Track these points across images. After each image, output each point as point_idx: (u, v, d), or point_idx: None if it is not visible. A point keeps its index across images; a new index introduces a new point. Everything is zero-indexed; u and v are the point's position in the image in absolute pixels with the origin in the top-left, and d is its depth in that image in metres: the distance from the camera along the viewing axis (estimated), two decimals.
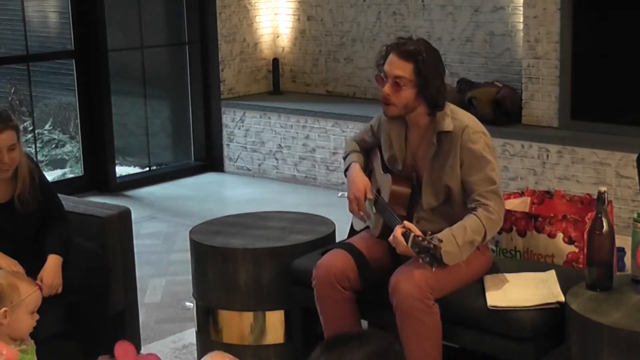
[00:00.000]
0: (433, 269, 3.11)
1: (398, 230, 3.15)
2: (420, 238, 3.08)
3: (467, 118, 3.36)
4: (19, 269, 3.50)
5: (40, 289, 3.01)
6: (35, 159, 4.05)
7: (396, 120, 3.42)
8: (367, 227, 3.59)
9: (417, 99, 3.31)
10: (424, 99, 3.31)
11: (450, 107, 3.38)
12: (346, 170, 3.65)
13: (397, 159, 3.45)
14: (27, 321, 2.94)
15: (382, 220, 3.41)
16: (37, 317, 2.97)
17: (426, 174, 3.36)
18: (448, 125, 3.31)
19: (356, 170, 3.57)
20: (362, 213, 3.52)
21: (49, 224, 3.72)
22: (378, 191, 3.53)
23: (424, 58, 3.27)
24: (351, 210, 3.55)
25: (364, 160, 3.64)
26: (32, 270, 3.58)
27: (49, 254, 3.62)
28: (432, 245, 3.05)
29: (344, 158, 3.71)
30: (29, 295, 2.94)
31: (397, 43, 3.34)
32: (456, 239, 3.18)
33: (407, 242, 3.09)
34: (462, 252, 3.19)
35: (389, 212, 3.34)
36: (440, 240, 3.09)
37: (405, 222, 3.19)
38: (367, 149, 3.66)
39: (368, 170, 3.63)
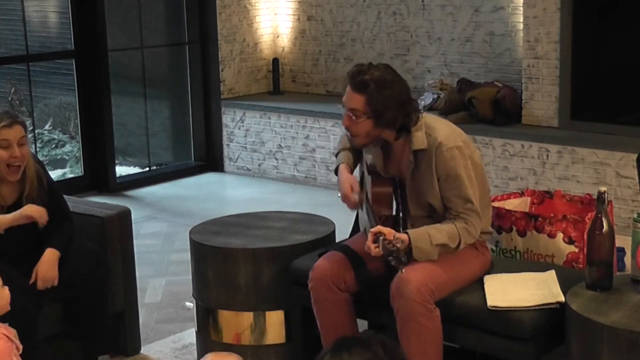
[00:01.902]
0: (402, 271, 3.13)
1: (370, 236, 3.18)
2: (387, 241, 3.10)
3: (441, 133, 3.30)
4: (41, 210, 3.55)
5: None
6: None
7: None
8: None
9: (376, 128, 3.29)
10: (384, 127, 3.29)
11: (426, 121, 3.34)
12: (336, 171, 3.66)
13: (376, 167, 3.47)
14: (3, 297, 2.99)
15: (370, 223, 3.43)
16: (6, 288, 3.00)
17: (408, 189, 3.38)
18: (422, 142, 3.28)
19: (342, 169, 3.60)
20: (355, 201, 3.52)
21: (54, 223, 3.73)
22: (366, 194, 3.54)
23: (372, 89, 3.23)
24: (350, 207, 3.57)
25: (354, 157, 3.64)
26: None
27: (47, 247, 3.63)
28: (395, 248, 3.08)
29: (335, 155, 3.72)
30: None
31: (352, 73, 3.31)
32: (431, 238, 3.22)
33: (378, 245, 3.12)
34: (433, 252, 3.23)
35: (371, 216, 3.36)
36: (404, 242, 3.13)
37: (372, 230, 3.18)
38: (356, 149, 3.67)
39: (361, 170, 3.64)
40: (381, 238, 3.12)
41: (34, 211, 3.56)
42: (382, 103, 3.24)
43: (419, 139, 3.29)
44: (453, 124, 3.46)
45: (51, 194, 3.74)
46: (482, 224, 3.36)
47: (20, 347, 2.97)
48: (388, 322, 3.31)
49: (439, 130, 3.32)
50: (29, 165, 3.65)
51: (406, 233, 3.20)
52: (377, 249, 3.13)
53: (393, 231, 3.16)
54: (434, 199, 3.31)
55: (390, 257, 3.11)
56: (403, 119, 3.28)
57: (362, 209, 3.64)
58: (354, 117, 3.29)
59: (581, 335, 2.96)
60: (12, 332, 2.97)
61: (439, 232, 3.23)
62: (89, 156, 6.94)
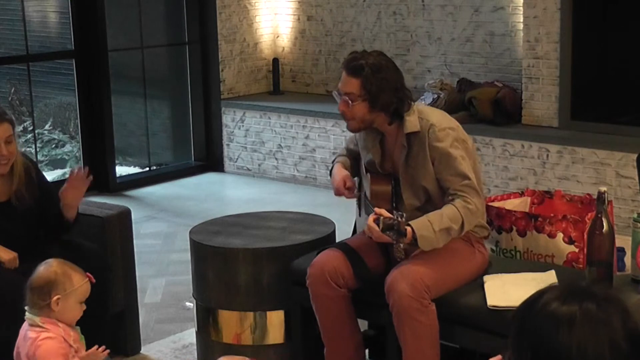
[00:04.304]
0: (401, 246, 3.20)
1: (370, 218, 3.20)
2: (388, 218, 3.14)
3: (433, 116, 3.37)
4: (12, 255, 3.54)
5: (91, 280, 3.06)
6: (35, 159, 4.06)
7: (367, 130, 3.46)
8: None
9: (371, 112, 3.34)
10: (379, 110, 3.34)
11: (418, 108, 3.40)
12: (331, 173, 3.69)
13: (375, 164, 3.48)
14: (75, 310, 3.01)
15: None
16: (84, 307, 3.04)
17: (402, 176, 3.39)
18: (415, 125, 3.33)
19: (336, 167, 3.64)
20: (348, 194, 3.55)
21: (50, 221, 3.72)
22: (365, 193, 3.55)
23: (367, 73, 3.30)
24: (347, 196, 3.58)
25: (352, 164, 3.67)
26: (33, 269, 3.58)
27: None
28: (395, 222, 3.13)
29: (333, 163, 3.75)
30: (80, 285, 3.01)
31: (347, 59, 3.40)
32: (432, 225, 3.22)
33: (379, 227, 3.14)
34: (438, 238, 3.23)
35: (370, 209, 3.37)
36: (403, 216, 3.15)
37: (376, 209, 3.22)
38: (355, 156, 3.69)
39: (360, 175, 3.66)
40: (382, 217, 3.15)
41: (3, 255, 3.56)
42: (377, 86, 3.30)
43: (412, 122, 3.34)
44: (446, 113, 3.51)
45: (43, 190, 3.75)
46: (482, 206, 3.37)
47: (83, 354, 2.99)
48: (387, 321, 3.31)
49: (431, 114, 3.39)
50: (16, 162, 3.66)
51: (408, 225, 3.20)
52: (378, 227, 3.16)
53: (389, 214, 3.20)
54: (429, 182, 3.33)
55: (390, 232, 3.13)
56: (397, 103, 3.33)
57: (359, 215, 3.65)
58: (349, 101, 3.33)
59: None
60: (73, 337, 2.98)
61: (439, 217, 3.24)
62: (89, 156, 6.93)
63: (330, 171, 3.69)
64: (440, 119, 3.37)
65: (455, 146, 3.31)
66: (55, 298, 2.94)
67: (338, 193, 3.57)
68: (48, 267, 3.01)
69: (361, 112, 3.34)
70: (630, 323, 1.64)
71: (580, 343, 1.59)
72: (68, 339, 2.96)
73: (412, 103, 3.40)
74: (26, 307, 3.00)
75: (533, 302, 1.67)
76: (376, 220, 3.17)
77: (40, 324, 2.94)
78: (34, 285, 2.97)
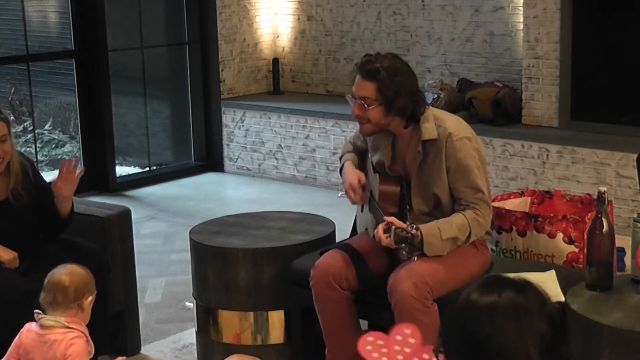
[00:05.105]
0: (414, 259, 3.16)
1: (380, 226, 3.19)
2: (400, 229, 3.13)
3: (450, 123, 3.34)
4: (12, 255, 3.55)
5: None
6: (35, 159, 4.06)
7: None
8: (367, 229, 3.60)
9: (387, 116, 3.31)
10: (395, 114, 3.31)
11: (434, 113, 3.37)
12: (341, 170, 3.66)
13: (385, 165, 3.47)
14: (90, 312, 3.06)
15: (375, 220, 3.43)
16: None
17: (414, 181, 3.37)
18: (432, 133, 3.30)
19: (348, 165, 3.59)
20: (360, 198, 3.50)
21: (48, 217, 3.72)
22: (371, 192, 3.54)
23: (383, 76, 3.26)
24: (353, 201, 3.53)
25: (358, 160, 3.65)
26: (33, 268, 3.59)
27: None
28: (409, 235, 3.11)
29: (340, 159, 3.73)
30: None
31: (361, 62, 3.34)
32: (441, 233, 3.23)
33: (389, 235, 3.13)
34: (444, 246, 3.24)
35: (378, 212, 3.36)
36: (418, 228, 3.14)
37: (387, 217, 3.21)
38: (361, 152, 3.67)
39: (364, 171, 3.64)
40: (393, 227, 3.13)
41: (3, 255, 3.56)
42: (393, 90, 3.26)
43: (429, 130, 3.30)
44: (460, 118, 3.48)
45: (40, 188, 3.76)
46: (490, 218, 3.37)
47: (93, 349, 3.02)
48: (389, 321, 3.30)
49: (448, 121, 3.35)
50: (13, 160, 3.66)
51: (418, 229, 3.19)
52: (389, 238, 3.14)
53: (404, 224, 3.18)
54: (441, 190, 3.32)
55: (404, 244, 3.12)
56: (413, 107, 3.30)
57: (362, 211, 3.64)
58: (365, 105, 3.30)
59: (581, 335, 2.96)
60: (87, 332, 3.03)
61: (449, 226, 3.24)
62: (89, 156, 6.93)
63: (341, 169, 3.65)
64: (457, 126, 3.34)
65: (472, 156, 3.30)
66: (90, 298, 3.00)
67: (351, 188, 3.47)
68: (74, 269, 3.03)
69: (377, 116, 3.31)
70: (548, 307, 1.72)
71: (502, 330, 1.66)
72: (88, 337, 2.99)
73: (428, 106, 3.37)
74: (37, 310, 2.98)
75: (456, 297, 1.75)
76: (387, 229, 3.15)
77: (66, 323, 2.95)
78: (66, 285, 2.97)
